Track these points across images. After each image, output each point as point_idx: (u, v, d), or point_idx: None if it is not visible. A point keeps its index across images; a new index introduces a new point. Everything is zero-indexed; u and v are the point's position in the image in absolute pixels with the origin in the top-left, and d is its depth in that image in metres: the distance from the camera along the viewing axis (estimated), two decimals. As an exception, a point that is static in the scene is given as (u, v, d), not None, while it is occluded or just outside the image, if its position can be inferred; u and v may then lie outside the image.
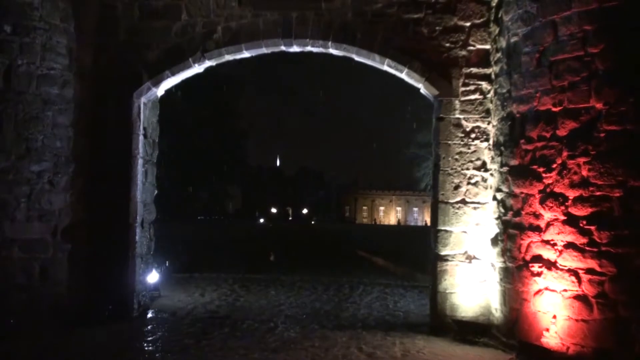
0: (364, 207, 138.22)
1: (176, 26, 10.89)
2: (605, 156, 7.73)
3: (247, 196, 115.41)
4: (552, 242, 8.24)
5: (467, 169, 10.25)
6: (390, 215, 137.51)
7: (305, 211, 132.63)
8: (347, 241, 41.05)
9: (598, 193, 7.76)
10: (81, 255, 10.35)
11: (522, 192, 8.87)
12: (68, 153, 10.28)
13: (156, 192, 11.95)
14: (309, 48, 11.05)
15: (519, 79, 9.04)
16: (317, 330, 10.09)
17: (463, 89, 10.36)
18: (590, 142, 7.88)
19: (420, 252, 17.07)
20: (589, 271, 7.79)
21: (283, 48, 11.17)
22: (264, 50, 11.19)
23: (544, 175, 8.45)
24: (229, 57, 11.14)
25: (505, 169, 9.37)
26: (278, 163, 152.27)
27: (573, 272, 7.95)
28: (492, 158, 9.98)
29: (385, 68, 10.88)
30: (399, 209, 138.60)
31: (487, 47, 10.32)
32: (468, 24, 10.43)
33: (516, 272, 8.90)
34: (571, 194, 8.04)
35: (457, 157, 10.28)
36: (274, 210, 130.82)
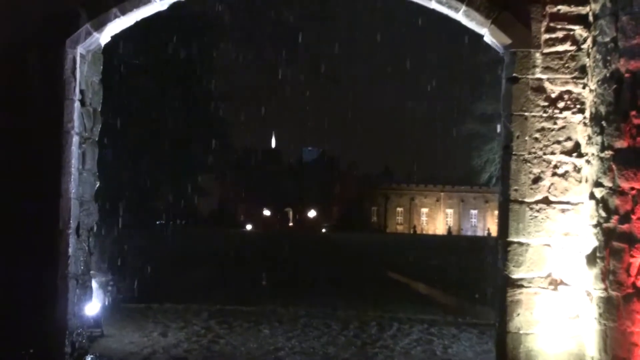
0: (399, 209, 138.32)
1: (128, -59, 10.90)
2: None
3: (228, 192, 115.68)
4: (676, 261, 8.19)
5: (552, 153, 10.21)
6: (437, 220, 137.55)
7: (312, 214, 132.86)
8: (374, 258, 41.11)
9: None
10: (-11, 275, 10.40)
11: (632, 188, 8.81)
12: (-30, 128, 10.31)
13: (98, 184, 11.98)
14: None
15: (629, 23, 8.97)
16: (332, 386, 10.12)
17: (547, 36, 10.29)
18: None
19: (480, 275, 17.04)
20: None
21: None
22: (255, -23, 11.17)
23: (665, 162, 8.40)
24: (204, -13, 11.14)
25: (608, 153, 9.31)
26: (274, 144, 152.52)
27: None
28: (589, 137, 9.92)
29: (434, 6, 10.84)
30: (449, 211, 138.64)
31: (583, -26, 10.27)
32: (555, -61, 10.38)
33: (623, 305, 8.86)
34: None
35: (537, 135, 10.23)
36: (267, 212, 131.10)
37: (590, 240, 9.72)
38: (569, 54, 10.25)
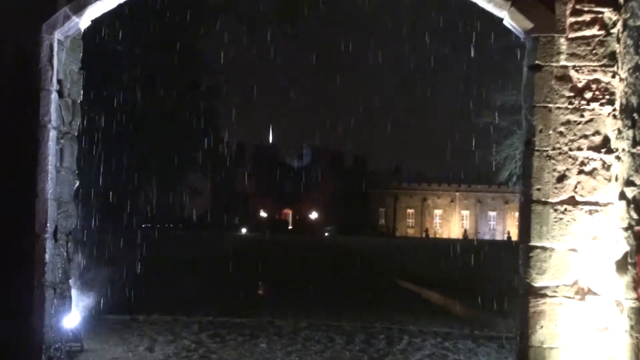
0: (410, 211, 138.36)
1: None
2: None
3: (220, 193, 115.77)
4: None
5: (579, 148, 10.19)
6: (452, 223, 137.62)
7: (314, 216, 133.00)
8: (383, 265, 41.12)
9: None
10: (-43, 284, 10.39)
11: (667, 187, 8.80)
12: (-64, 121, 10.31)
13: (77, 183, 11.97)
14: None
15: (664, 4, 8.96)
16: (335, 406, 10.12)
17: (572, 19, 10.28)
18: None
19: (500, 283, 16.99)
20: None
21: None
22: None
23: (703, 159, 8.39)
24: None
25: (640, 148, 9.30)
26: (271, 139, 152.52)
27: None
28: (619, 131, 9.90)
29: (447, -14, 10.86)
30: (465, 213, 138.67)
31: (613, -49, 10.25)
32: None
33: (657, 316, 8.84)
34: None
35: (562, 129, 10.21)
36: (263, 214, 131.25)
37: (621, 244, 9.70)
38: (597, 39, 10.23)
